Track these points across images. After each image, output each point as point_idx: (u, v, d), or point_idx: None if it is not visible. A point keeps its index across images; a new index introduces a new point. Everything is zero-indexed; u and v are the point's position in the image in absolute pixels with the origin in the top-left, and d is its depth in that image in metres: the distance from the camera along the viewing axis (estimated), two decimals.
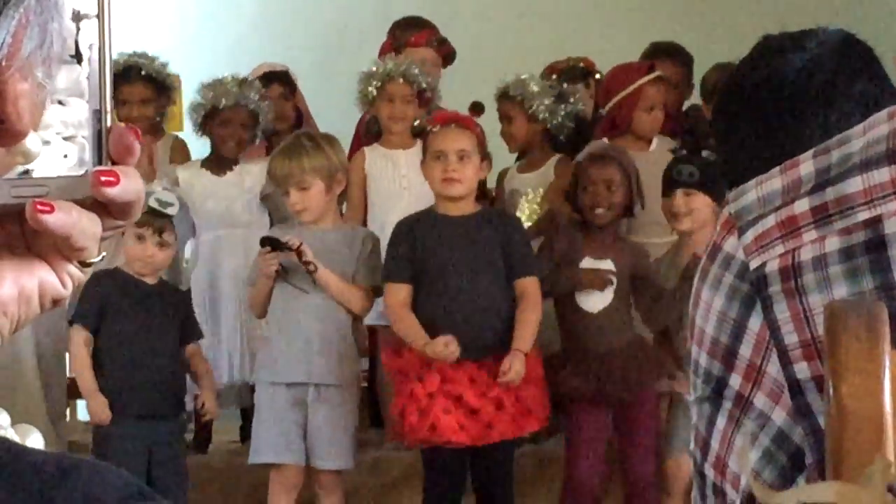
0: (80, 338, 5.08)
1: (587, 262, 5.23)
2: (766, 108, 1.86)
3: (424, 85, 5.88)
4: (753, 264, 1.14)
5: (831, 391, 1.05)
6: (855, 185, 1.11)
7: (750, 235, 1.15)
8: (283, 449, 5.15)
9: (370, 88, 5.87)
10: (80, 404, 6.25)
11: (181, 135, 6.55)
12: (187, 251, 5.74)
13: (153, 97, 6.07)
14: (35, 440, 0.80)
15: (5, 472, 0.64)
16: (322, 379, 5.14)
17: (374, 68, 5.91)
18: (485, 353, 5.00)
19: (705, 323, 1.21)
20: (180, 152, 6.25)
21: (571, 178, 5.41)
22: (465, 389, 4.96)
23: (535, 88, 6.02)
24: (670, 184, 5.25)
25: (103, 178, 0.83)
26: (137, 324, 5.07)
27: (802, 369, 1.12)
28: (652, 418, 5.21)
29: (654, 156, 5.79)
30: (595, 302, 5.22)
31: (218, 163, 5.97)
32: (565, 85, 6.21)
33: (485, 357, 5.00)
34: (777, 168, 1.17)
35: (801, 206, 1.13)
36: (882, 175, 1.11)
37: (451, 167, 5.03)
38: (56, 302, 0.87)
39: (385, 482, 5.58)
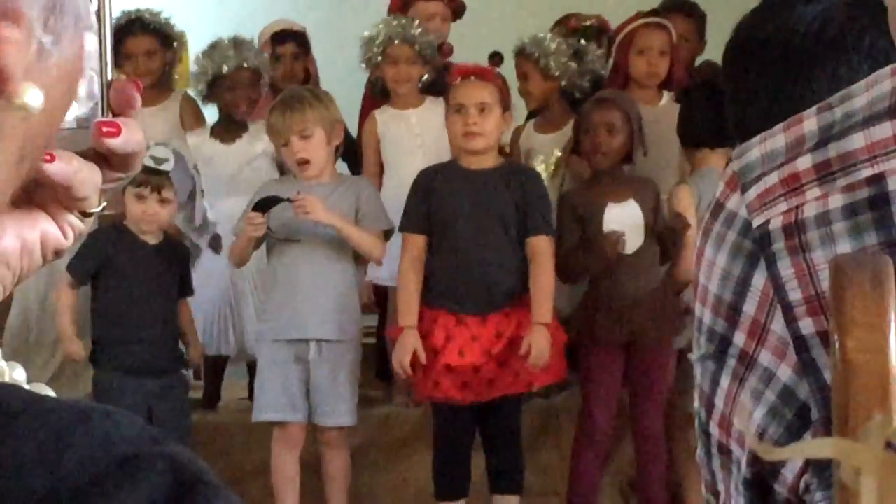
0: (65, 284, 5.14)
1: (611, 208, 5.21)
2: (776, 62, 1.85)
3: (426, 44, 5.86)
4: (757, 221, 1.13)
5: (836, 345, 1.05)
6: (857, 141, 1.10)
7: (753, 193, 1.14)
8: (285, 407, 5.16)
9: (373, 52, 5.87)
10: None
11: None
12: (199, 216, 5.75)
13: (158, 49, 6.05)
14: (18, 374, 0.80)
15: (22, 418, 0.64)
16: (323, 335, 5.15)
17: (375, 32, 5.89)
18: (492, 308, 5.00)
19: (709, 281, 1.20)
20: (190, 109, 6.23)
21: (574, 125, 5.42)
22: (468, 347, 4.97)
23: (552, 46, 6.00)
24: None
25: (105, 130, 0.84)
26: (137, 281, 5.10)
27: (807, 325, 1.11)
28: (665, 373, 5.22)
29: (663, 110, 5.79)
30: (629, 242, 5.20)
31: (227, 130, 5.96)
32: (581, 42, 6.20)
33: (492, 312, 5.00)
34: (780, 125, 1.16)
35: (804, 162, 1.12)
36: (884, 130, 1.10)
37: (472, 119, 5.03)
38: (58, 252, 0.87)
39: (394, 439, 5.60)
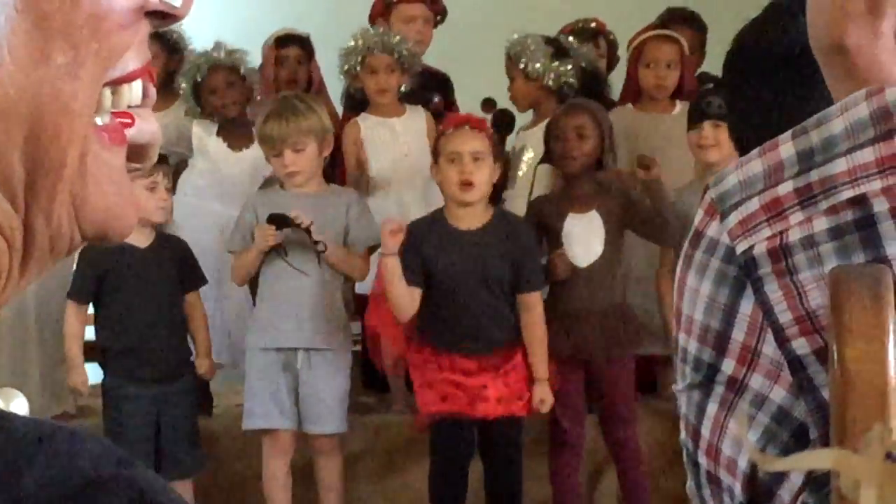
0: (72, 313, 5.11)
1: (570, 218, 5.23)
2: (777, 71, 1.84)
3: (405, 53, 5.86)
4: (740, 248, 1.13)
5: (835, 356, 1.04)
6: (839, 166, 1.10)
7: (734, 219, 1.14)
8: (274, 414, 5.16)
9: (352, 62, 5.86)
10: (91, 367, 6.25)
11: None
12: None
13: (160, 54, 6.02)
14: (19, 405, 0.79)
15: None
16: (312, 343, 5.14)
17: (354, 42, 5.89)
18: (486, 352, 5.02)
19: (693, 310, 1.19)
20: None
21: (545, 132, 5.42)
22: (461, 381, 5.00)
23: (531, 47, 6.01)
24: (699, 115, 5.32)
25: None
26: (136, 290, 5.06)
27: (801, 345, 1.11)
28: (623, 385, 5.24)
29: (676, 119, 5.83)
30: (584, 255, 5.22)
31: (235, 135, 5.93)
32: (571, 40, 6.22)
33: (485, 355, 5.02)
34: (756, 150, 1.16)
35: (786, 188, 1.12)
36: (866, 156, 1.10)
37: (468, 168, 5.00)
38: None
39: (389, 446, 5.58)
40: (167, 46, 6.10)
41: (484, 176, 5.04)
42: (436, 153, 5.14)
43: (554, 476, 5.28)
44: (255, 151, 5.77)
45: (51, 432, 0.64)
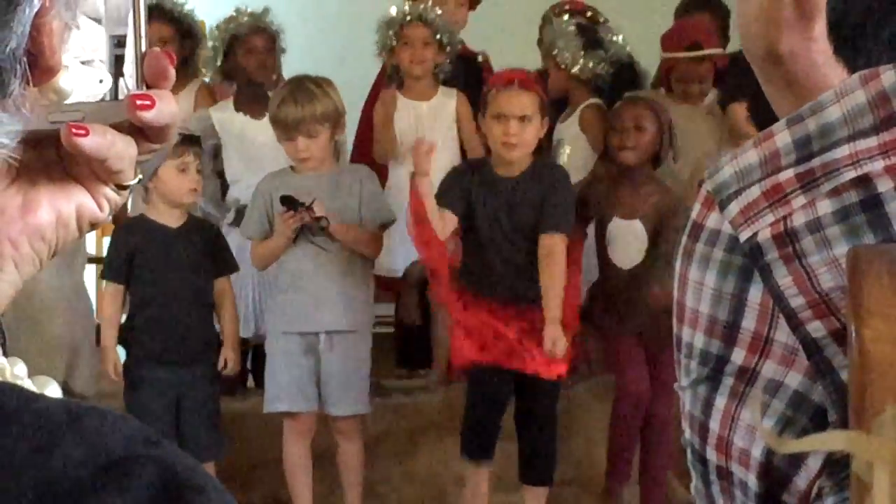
0: (108, 294, 5.13)
1: (615, 223, 5.22)
2: None
3: (443, 29, 5.81)
4: (744, 236, 1.12)
5: (853, 336, 1.04)
6: (841, 152, 1.10)
7: (735, 208, 1.13)
8: (296, 397, 5.16)
9: (389, 34, 5.83)
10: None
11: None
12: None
13: (173, 38, 6.00)
14: (53, 391, 0.80)
15: (14, 419, 0.64)
16: (333, 326, 5.14)
17: (393, 14, 5.86)
18: (521, 302, 5.03)
19: (698, 303, 1.18)
20: (205, 96, 6.20)
21: (604, 127, 5.42)
22: (501, 330, 5.00)
23: (564, 36, 5.99)
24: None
25: (139, 102, 0.85)
26: (164, 270, 5.07)
27: (817, 328, 1.10)
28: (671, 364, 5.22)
29: (705, 108, 5.86)
30: (624, 258, 5.23)
31: (254, 101, 5.92)
32: (604, 21, 6.20)
33: (521, 305, 5.02)
34: (751, 140, 1.15)
35: (787, 174, 1.11)
36: (869, 142, 1.09)
37: (512, 130, 5.01)
38: (93, 225, 0.89)
39: (410, 428, 5.59)
40: (180, 31, 6.08)
41: (529, 136, 5.04)
42: (483, 107, 5.13)
43: (613, 428, 5.28)
44: None
45: (81, 412, 0.65)
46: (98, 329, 5.33)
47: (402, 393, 5.76)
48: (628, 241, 5.24)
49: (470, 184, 5.08)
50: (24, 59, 0.70)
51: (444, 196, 5.06)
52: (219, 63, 5.98)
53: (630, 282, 5.23)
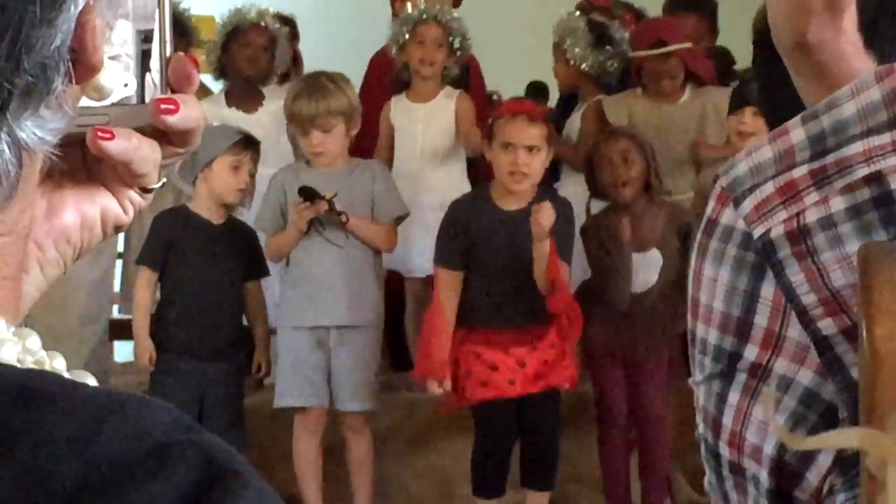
0: (143, 279, 5.12)
1: (637, 259, 5.17)
2: None
3: (457, 31, 5.80)
4: (757, 232, 1.12)
5: (864, 334, 1.04)
6: (855, 148, 1.10)
7: (748, 205, 1.13)
8: (306, 392, 5.17)
9: (403, 30, 5.82)
10: (118, 346, 6.28)
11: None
12: None
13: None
14: (90, 384, 0.80)
15: (58, 404, 0.65)
16: (344, 321, 5.15)
17: (409, 11, 5.86)
18: (520, 325, 5.01)
19: (712, 299, 1.19)
20: (199, 93, 6.18)
21: (586, 164, 5.36)
22: (500, 361, 5.00)
23: (575, 31, 5.99)
24: (740, 101, 5.30)
25: (163, 107, 0.86)
26: (199, 263, 5.08)
27: (828, 325, 1.10)
28: (659, 366, 5.22)
29: (681, 108, 5.84)
30: (638, 284, 5.18)
31: (246, 97, 5.92)
32: (616, 21, 6.19)
33: (520, 328, 5.01)
34: (766, 136, 1.15)
35: (801, 171, 1.12)
36: (883, 139, 1.09)
37: (521, 160, 4.98)
38: (118, 228, 0.89)
39: (419, 425, 5.59)
40: (176, 30, 6.06)
41: (537, 165, 5.02)
42: (489, 135, 5.11)
43: (603, 459, 5.27)
44: (269, 107, 5.80)
45: (122, 400, 0.66)
46: (110, 324, 5.33)
47: (408, 390, 5.76)
48: (645, 268, 5.20)
49: (469, 219, 5.06)
50: (68, 56, 0.71)
51: (443, 254, 5.06)
52: (216, 52, 5.99)
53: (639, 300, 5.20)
